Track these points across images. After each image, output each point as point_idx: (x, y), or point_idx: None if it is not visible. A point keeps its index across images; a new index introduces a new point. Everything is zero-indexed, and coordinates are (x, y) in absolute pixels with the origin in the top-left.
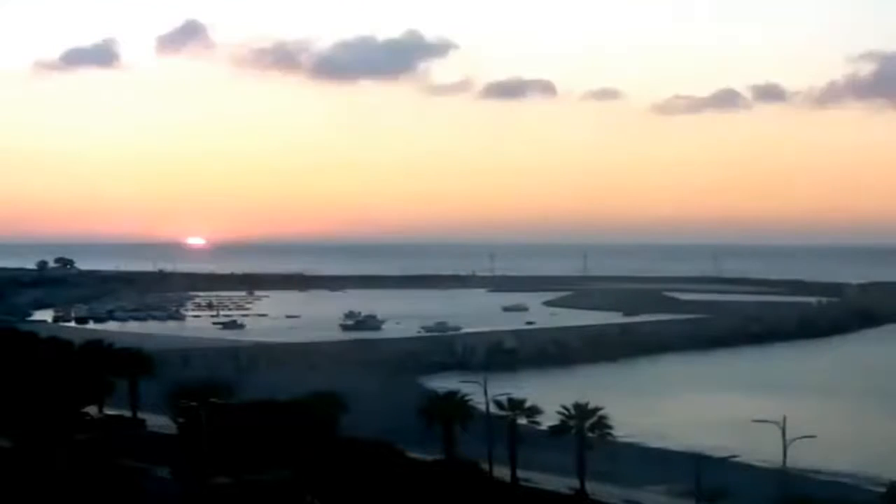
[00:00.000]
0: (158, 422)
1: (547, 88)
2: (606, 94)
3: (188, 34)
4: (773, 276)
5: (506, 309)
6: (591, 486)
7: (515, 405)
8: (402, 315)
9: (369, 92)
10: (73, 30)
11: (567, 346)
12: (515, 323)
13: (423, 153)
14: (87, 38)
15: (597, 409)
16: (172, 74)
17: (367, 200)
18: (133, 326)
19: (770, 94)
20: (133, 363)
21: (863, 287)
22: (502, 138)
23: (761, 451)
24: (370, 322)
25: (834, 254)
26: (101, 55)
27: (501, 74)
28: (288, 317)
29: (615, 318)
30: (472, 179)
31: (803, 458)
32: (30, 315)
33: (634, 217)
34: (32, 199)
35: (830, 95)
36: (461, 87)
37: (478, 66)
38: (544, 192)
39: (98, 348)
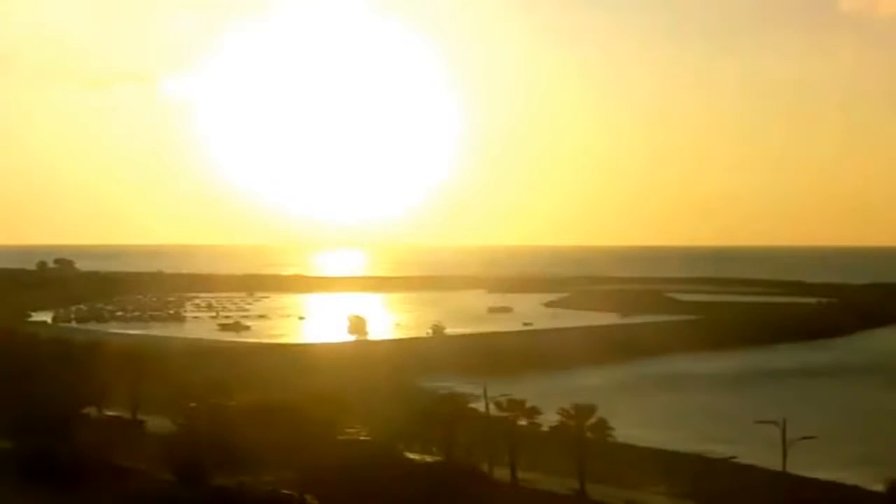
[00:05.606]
0: (158, 423)
1: None
2: None
3: None
4: (774, 277)
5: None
6: (590, 488)
7: (515, 406)
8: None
9: None
10: None
11: (567, 347)
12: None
13: None
14: None
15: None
16: None
17: None
18: (134, 327)
19: None
20: (133, 364)
21: (862, 288)
22: None
23: (761, 451)
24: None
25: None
26: None
27: None
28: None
29: (615, 319)
30: None
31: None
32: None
33: None
34: None
35: None
36: None
37: None
38: None
39: (98, 348)
